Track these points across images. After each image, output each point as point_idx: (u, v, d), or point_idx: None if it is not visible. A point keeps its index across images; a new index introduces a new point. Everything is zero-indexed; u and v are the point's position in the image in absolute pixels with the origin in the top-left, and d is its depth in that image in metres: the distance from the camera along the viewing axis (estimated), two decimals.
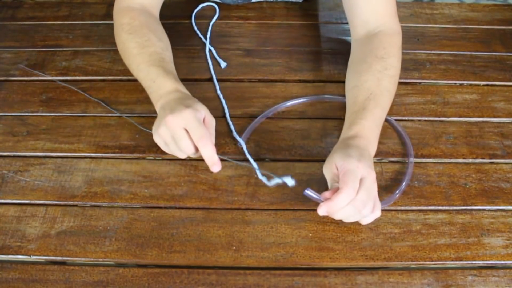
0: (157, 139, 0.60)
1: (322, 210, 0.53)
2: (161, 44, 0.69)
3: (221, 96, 0.73)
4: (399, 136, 0.68)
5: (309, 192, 0.54)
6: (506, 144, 0.68)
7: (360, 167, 0.53)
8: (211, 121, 0.61)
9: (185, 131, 0.57)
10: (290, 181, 0.56)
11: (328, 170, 0.57)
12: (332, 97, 0.72)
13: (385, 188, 0.62)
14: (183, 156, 0.61)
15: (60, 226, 0.59)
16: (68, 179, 0.63)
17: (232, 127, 0.69)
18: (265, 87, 0.75)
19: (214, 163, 0.59)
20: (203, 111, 0.59)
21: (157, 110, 0.62)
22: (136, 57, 0.67)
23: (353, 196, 0.52)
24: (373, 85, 0.64)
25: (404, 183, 0.62)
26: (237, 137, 0.67)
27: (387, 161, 0.65)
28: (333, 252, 0.56)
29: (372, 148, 0.60)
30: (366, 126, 0.60)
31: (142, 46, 0.67)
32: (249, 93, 0.74)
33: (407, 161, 0.64)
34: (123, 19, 0.70)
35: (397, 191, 0.61)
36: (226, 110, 0.71)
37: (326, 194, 0.54)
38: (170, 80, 0.63)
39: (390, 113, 0.71)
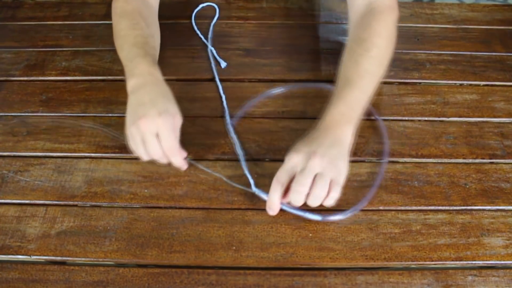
0: (129, 135, 0.60)
1: (269, 211, 0.58)
2: (148, 31, 0.69)
3: (223, 98, 0.72)
4: (381, 135, 0.68)
5: (258, 193, 0.60)
6: (506, 144, 0.68)
7: (293, 159, 0.55)
8: (179, 121, 0.61)
9: (156, 137, 0.58)
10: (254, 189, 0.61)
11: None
12: (322, 85, 0.73)
13: (385, 188, 0.62)
14: (146, 159, 0.60)
15: (60, 226, 0.59)
16: (68, 179, 0.63)
17: (231, 127, 0.69)
18: (265, 87, 0.75)
19: (182, 166, 0.62)
20: (174, 112, 0.59)
21: (128, 90, 0.62)
22: (122, 38, 0.67)
23: (280, 189, 0.56)
24: (351, 70, 0.63)
25: (376, 182, 0.62)
26: (234, 138, 0.67)
27: (387, 161, 0.65)
28: (333, 252, 0.56)
29: (340, 128, 0.59)
30: (334, 112, 0.60)
31: (129, 28, 0.67)
32: (249, 93, 0.74)
33: (382, 160, 0.64)
34: (117, 3, 0.71)
35: (368, 194, 0.61)
36: (227, 111, 0.71)
37: None
38: (147, 63, 0.63)
39: (390, 113, 0.71)
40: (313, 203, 0.56)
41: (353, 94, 0.61)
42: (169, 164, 0.62)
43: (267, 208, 0.58)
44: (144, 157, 0.60)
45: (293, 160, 0.55)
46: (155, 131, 0.57)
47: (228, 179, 0.62)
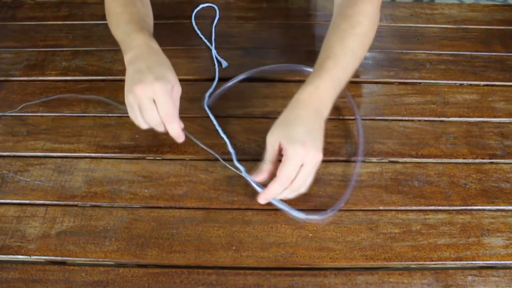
0: (127, 104, 0.60)
1: (261, 200, 0.58)
2: (144, 10, 0.70)
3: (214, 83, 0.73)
4: (357, 135, 0.67)
5: (250, 180, 0.59)
6: (506, 144, 0.68)
7: (302, 154, 0.54)
8: (178, 91, 0.61)
9: (153, 103, 0.57)
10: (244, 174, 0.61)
11: (271, 143, 0.56)
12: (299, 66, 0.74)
13: (386, 188, 0.62)
14: (145, 127, 0.61)
15: (60, 226, 0.59)
16: (68, 179, 0.63)
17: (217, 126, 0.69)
18: (265, 87, 0.75)
19: (178, 136, 0.61)
20: (172, 80, 0.59)
21: (126, 63, 0.62)
22: (117, 16, 0.67)
23: (287, 185, 0.55)
24: (335, 44, 0.63)
25: (351, 184, 0.62)
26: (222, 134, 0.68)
27: (387, 161, 0.65)
28: (333, 252, 0.56)
29: (325, 109, 0.59)
30: (321, 86, 0.59)
31: (125, 5, 0.67)
32: (249, 93, 0.74)
33: (355, 160, 0.65)
34: None
35: (344, 195, 0.61)
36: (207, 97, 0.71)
37: (261, 176, 0.57)
38: (144, 36, 0.63)
39: (390, 113, 0.71)
40: (293, 196, 0.58)
41: (336, 71, 0.61)
42: (167, 134, 0.61)
43: (262, 198, 0.57)
44: (143, 125, 0.60)
45: (301, 155, 0.54)
46: (151, 96, 0.57)
47: (226, 162, 0.63)
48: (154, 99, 0.57)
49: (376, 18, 0.67)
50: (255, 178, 0.58)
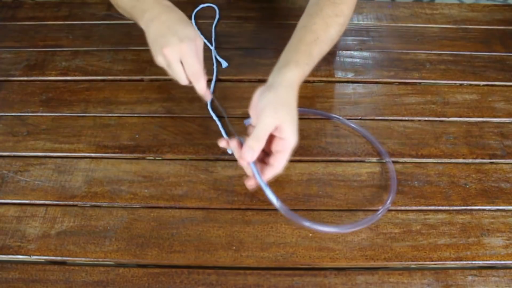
0: (158, 64, 0.61)
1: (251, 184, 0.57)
2: None
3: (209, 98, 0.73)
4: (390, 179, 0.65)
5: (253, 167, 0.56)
6: (506, 144, 0.68)
7: (295, 142, 0.55)
8: (201, 44, 0.62)
9: (180, 64, 0.59)
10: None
11: (269, 123, 0.54)
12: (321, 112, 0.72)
13: (385, 188, 0.62)
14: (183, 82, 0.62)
15: (60, 226, 0.59)
16: (68, 179, 0.63)
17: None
18: None
19: (205, 94, 0.62)
20: (194, 36, 0.60)
21: (143, 26, 0.62)
22: None
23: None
24: (321, 29, 0.63)
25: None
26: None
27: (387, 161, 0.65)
28: (333, 252, 0.56)
29: None
30: (306, 73, 0.60)
31: None
32: (249, 93, 0.73)
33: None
34: None
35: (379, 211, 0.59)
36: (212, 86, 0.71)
37: (254, 155, 0.54)
38: None
39: (390, 113, 0.71)
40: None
41: (317, 60, 0.62)
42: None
43: (255, 182, 0.56)
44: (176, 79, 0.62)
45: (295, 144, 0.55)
46: (178, 58, 0.58)
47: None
48: (181, 60, 0.59)
49: (353, 8, 0.67)
50: (247, 158, 0.54)
